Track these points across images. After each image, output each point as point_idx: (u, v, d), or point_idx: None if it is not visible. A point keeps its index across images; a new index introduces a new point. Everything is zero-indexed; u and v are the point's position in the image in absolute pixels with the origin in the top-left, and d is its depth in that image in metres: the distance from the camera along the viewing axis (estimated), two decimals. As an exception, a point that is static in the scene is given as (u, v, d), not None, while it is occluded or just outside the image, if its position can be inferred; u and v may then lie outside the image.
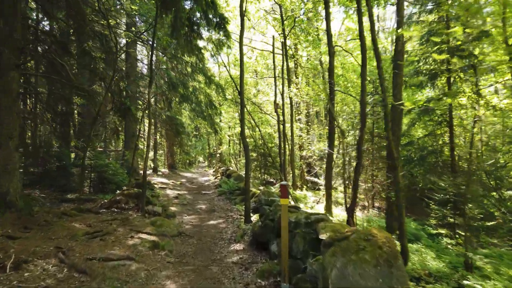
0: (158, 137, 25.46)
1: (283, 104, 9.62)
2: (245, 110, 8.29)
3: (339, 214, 10.66)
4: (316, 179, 18.68)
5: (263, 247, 6.38)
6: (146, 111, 9.87)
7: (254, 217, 8.82)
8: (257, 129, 18.77)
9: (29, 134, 11.53)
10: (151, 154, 26.29)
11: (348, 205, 7.87)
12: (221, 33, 9.69)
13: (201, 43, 17.19)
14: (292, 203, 8.71)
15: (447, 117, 11.21)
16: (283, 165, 9.98)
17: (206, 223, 9.12)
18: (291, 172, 20.12)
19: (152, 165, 22.46)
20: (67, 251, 5.03)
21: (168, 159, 25.52)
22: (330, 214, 10.19)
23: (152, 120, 24.15)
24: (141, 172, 22.25)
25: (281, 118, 10.12)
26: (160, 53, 17.51)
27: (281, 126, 9.75)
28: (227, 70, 10.88)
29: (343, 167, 11.09)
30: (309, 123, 20.67)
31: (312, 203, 12.08)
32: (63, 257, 4.73)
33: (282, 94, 9.47)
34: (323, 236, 4.36)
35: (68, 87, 9.36)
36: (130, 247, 5.84)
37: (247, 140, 22.61)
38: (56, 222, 6.25)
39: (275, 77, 9.78)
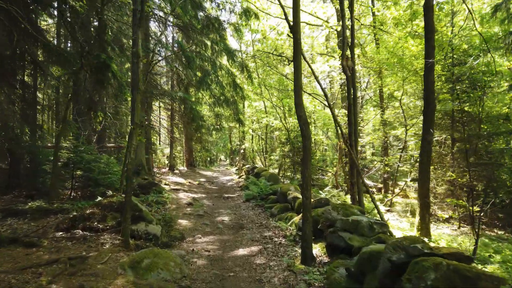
0: (176, 132, 21.91)
1: (352, 57, 5.61)
2: (302, 57, 4.39)
3: (441, 235, 6.52)
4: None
5: None
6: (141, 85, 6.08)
7: (318, 250, 4.84)
8: (289, 119, 14.79)
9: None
10: (167, 151, 22.81)
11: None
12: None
13: None
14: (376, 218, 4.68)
15: None
16: (355, 159, 5.91)
17: (231, 254, 5.26)
18: (333, 171, 15.96)
19: (167, 162, 18.96)
20: None
21: (186, 155, 21.94)
22: (428, 236, 6.08)
23: (169, 113, 20.65)
24: (156, 170, 18.75)
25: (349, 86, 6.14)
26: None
27: (351, 92, 5.75)
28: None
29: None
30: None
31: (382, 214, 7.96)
32: None
33: (351, 46, 5.56)
34: None
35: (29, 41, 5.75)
36: None
37: (278, 132, 18.63)
38: None
39: (343, 14, 5.76)
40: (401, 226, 7.52)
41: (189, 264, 4.69)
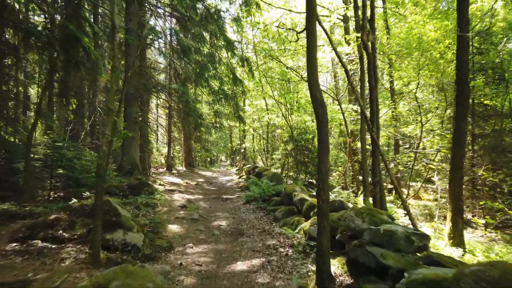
0: (175, 131, 20.87)
1: (373, 31, 4.61)
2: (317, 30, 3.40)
3: (470, 242, 5.48)
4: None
5: None
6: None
7: (336, 267, 3.80)
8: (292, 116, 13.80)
9: None
10: (164, 150, 21.78)
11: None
12: None
13: None
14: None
15: None
16: (381, 154, 4.83)
17: (228, 269, 4.23)
18: (340, 170, 14.92)
19: (163, 161, 17.97)
20: None
21: (184, 155, 20.92)
22: (462, 245, 5.05)
23: (167, 111, 19.64)
24: (153, 169, 17.68)
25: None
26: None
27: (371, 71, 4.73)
28: None
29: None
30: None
31: (403, 218, 6.90)
32: None
33: (370, 20, 4.62)
34: None
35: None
36: None
37: (280, 130, 17.59)
38: None
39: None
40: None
41: (173, 283, 3.68)
